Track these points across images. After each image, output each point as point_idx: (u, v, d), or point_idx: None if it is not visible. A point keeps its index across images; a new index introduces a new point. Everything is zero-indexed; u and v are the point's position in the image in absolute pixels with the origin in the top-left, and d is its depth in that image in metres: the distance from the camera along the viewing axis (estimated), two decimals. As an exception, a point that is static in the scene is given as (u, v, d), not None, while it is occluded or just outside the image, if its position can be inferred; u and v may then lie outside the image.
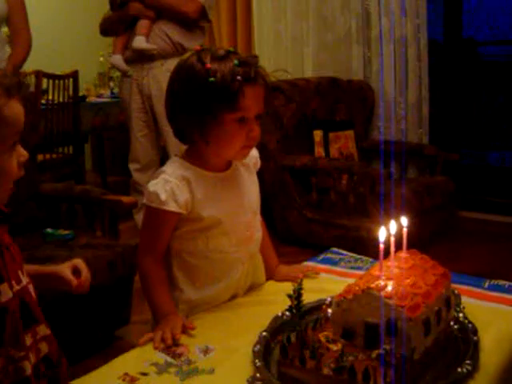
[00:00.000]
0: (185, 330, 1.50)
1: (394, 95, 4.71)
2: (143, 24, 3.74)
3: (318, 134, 4.37)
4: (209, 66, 1.53)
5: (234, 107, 1.53)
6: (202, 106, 1.54)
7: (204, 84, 1.52)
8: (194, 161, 1.64)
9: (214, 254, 1.67)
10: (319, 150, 4.37)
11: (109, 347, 2.73)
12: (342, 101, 4.64)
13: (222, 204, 1.65)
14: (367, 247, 3.30)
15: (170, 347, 1.43)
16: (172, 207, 1.58)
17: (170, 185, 1.58)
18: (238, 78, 1.51)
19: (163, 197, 1.56)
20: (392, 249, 1.36)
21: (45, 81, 4.75)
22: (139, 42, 3.71)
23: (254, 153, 1.79)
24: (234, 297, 1.74)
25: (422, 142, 4.72)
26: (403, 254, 1.44)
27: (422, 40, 4.62)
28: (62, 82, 4.81)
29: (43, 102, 4.73)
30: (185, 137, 1.65)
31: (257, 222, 1.78)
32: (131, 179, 3.97)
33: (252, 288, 1.80)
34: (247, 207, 1.73)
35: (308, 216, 4.18)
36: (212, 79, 1.51)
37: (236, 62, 1.53)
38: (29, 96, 3.63)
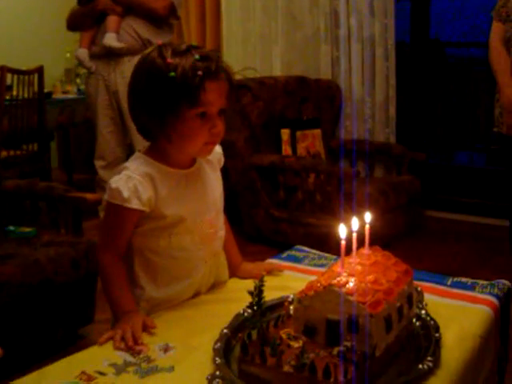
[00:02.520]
0: (145, 329, 1.48)
1: (362, 95, 4.74)
2: (112, 20, 3.71)
3: (285, 133, 4.37)
4: (169, 60, 1.50)
5: (195, 102, 1.50)
6: (163, 101, 1.51)
7: (164, 79, 1.50)
8: (157, 157, 1.62)
9: (177, 252, 1.65)
10: (287, 149, 4.37)
11: (72, 346, 2.70)
12: (310, 100, 4.65)
13: (185, 202, 1.63)
14: (333, 245, 3.29)
15: (131, 347, 1.40)
16: (135, 205, 1.54)
17: (132, 181, 1.55)
18: (199, 72, 1.49)
19: (126, 194, 1.53)
20: (354, 245, 1.35)
21: (9, 76, 4.68)
22: (110, 39, 3.67)
23: (218, 149, 1.77)
24: (196, 294, 1.72)
25: (389, 142, 4.75)
26: (365, 250, 1.44)
27: (389, 40, 4.65)
28: (26, 77, 4.75)
29: (7, 97, 4.67)
30: (147, 133, 1.62)
31: (220, 219, 1.76)
32: (96, 176, 3.94)
33: (215, 286, 1.78)
34: (211, 205, 1.71)
35: (275, 215, 4.18)
36: (172, 74, 1.49)
37: (197, 56, 1.51)
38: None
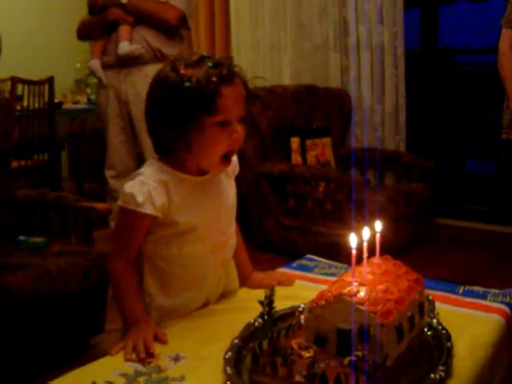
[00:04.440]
0: (156, 340, 1.48)
1: (371, 103, 4.73)
2: (124, 30, 3.71)
3: (295, 141, 4.37)
4: (183, 72, 1.51)
5: (213, 109, 1.50)
6: (181, 113, 1.51)
7: (180, 91, 1.50)
8: (172, 164, 1.62)
9: (188, 260, 1.65)
10: (296, 157, 4.37)
11: (83, 356, 2.70)
12: (320, 108, 4.64)
13: (198, 209, 1.62)
14: (343, 254, 3.29)
15: (143, 359, 1.40)
16: (148, 210, 1.55)
17: (147, 187, 1.55)
18: (213, 79, 1.49)
19: (140, 199, 1.53)
20: (365, 254, 1.35)
21: (20, 87, 4.70)
22: (124, 47, 3.68)
23: (233, 158, 1.75)
24: (205, 304, 1.72)
25: (399, 150, 4.74)
26: (376, 259, 1.43)
27: (398, 48, 4.64)
28: (37, 88, 4.78)
29: (18, 108, 4.68)
30: (166, 149, 1.61)
31: (232, 228, 1.76)
32: (107, 186, 3.94)
33: (224, 295, 1.78)
34: (223, 213, 1.71)
35: (285, 223, 4.17)
36: (187, 84, 1.49)
37: (210, 64, 1.52)
38: (3, 102, 3.59)
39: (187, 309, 1.67)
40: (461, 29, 7.31)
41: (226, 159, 1.60)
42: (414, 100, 4.93)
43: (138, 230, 1.60)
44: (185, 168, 1.62)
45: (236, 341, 1.38)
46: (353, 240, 1.30)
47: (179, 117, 1.52)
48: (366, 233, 1.36)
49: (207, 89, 1.49)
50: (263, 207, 4.26)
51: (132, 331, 1.50)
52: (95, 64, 3.82)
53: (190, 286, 1.67)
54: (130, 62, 3.72)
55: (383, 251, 1.47)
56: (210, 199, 1.67)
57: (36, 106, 4.79)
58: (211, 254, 1.68)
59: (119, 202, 1.58)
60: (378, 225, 1.44)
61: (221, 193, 1.71)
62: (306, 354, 1.25)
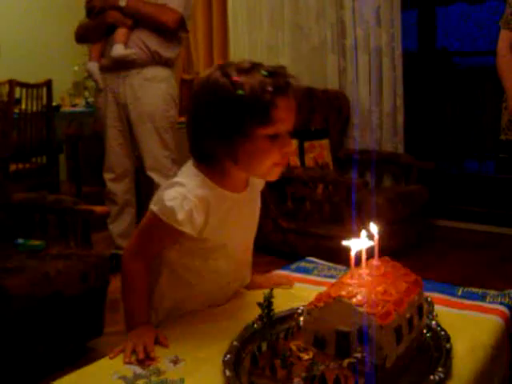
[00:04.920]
0: (157, 343, 1.47)
1: (369, 104, 4.73)
2: (121, 32, 3.72)
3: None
4: (235, 78, 1.43)
5: (267, 121, 1.43)
6: (232, 122, 1.44)
7: (232, 98, 1.42)
8: (214, 177, 1.55)
9: (210, 274, 1.64)
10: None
11: (81, 359, 2.69)
12: (318, 110, 4.64)
13: (231, 229, 1.59)
14: (342, 256, 3.29)
15: (142, 361, 1.39)
16: (187, 229, 1.49)
17: (189, 204, 1.48)
18: (269, 88, 1.42)
19: (180, 216, 1.47)
20: (363, 256, 1.35)
21: (18, 90, 4.70)
22: (118, 49, 3.68)
23: None
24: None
25: (397, 151, 4.74)
26: (375, 261, 1.43)
27: (396, 50, 4.64)
28: (35, 91, 4.77)
29: (16, 111, 4.68)
30: (208, 159, 1.54)
31: (252, 245, 1.75)
32: (105, 189, 3.94)
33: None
34: (251, 230, 1.71)
35: (283, 225, 4.17)
36: (240, 92, 1.41)
37: (265, 72, 1.44)
38: (1, 105, 3.60)
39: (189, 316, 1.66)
40: (458, 30, 7.32)
41: (277, 166, 1.52)
42: (411, 101, 4.93)
43: (167, 240, 1.57)
44: (227, 182, 1.56)
45: (235, 343, 1.38)
46: (351, 242, 1.30)
47: (229, 125, 1.44)
48: (364, 235, 1.36)
49: (262, 98, 1.41)
50: (261, 209, 4.24)
51: (133, 333, 1.50)
52: (93, 67, 3.82)
53: (205, 296, 1.67)
54: (128, 64, 3.72)
55: (382, 253, 1.47)
56: (243, 217, 1.63)
57: (34, 109, 4.79)
58: (233, 271, 1.68)
59: (155, 209, 1.51)
60: (377, 227, 1.44)
61: (252, 209, 1.69)
62: (305, 356, 1.25)
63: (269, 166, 1.51)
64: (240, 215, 1.61)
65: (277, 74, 1.46)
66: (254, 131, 1.44)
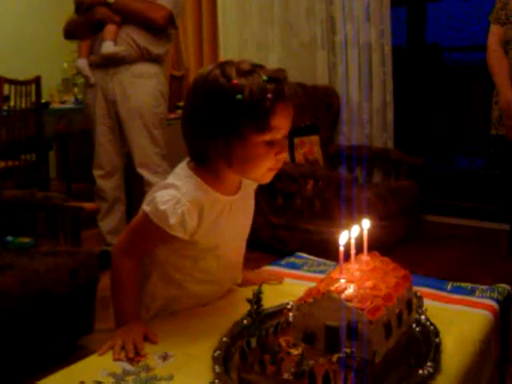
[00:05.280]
0: (146, 339, 1.46)
1: (359, 100, 4.74)
2: (110, 29, 3.70)
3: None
4: (235, 81, 1.40)
5: (264, 128, 1.41)
6: (228, 125, 1.41)
7: (230, 101, 1.40)
8: (209, 180, 1.53)
9: (200, 274, 1.63)
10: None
11: (72, 356, 2.69)
12: (308, 106, 4.64)
13: (223, 231, 1.58)
14: (332, 251, 3.29)
15: (132, 359, 1.38)
16: (179, 233, 1.49)
17: (181, 208, 1.46)
18: (269, 95, 1.39)
19: (172, 221, 1.45)
20: (352, 251, 1.35)
21: (6, 87, 4.67)
22: (107, 47, 3.67)
23: None
24: None
25: (387, 147, 4.75)
26: (364, 256, 1.43)
27: (386, 46, 4.65)
28: (24, 88, 4.75)
29: (5, 108, 4.66)
30: (204, 158, 1.52)
31: (244, 245, 1.74)
32: (95, 186, 3.93)
33: None
34: (243, 233, 1.70)
35: (273, 221, 4.17)
36: (239, 96, 1.39)
37: (265, 77, 1.42)
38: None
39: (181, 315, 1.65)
40: (448, 26, 7.33)
41: (271, 170, 1.52)
42: (401, 97, 4.94)
43: (158, 240, 1.56)
44: (220, 183, 1.55)
45: (224, 339, 1.37)
46: (342, 237, 1.30)
47: (225, 127, 1.42)
48: (353, 229, 1.35)
49: (261, 105, 1.39)
50: (252, 206, 4.25)
51: (122, 330, 1.49)
52: (82, 63, 3.81)
53: (196, 296, 1.66)
54: (117, 61, 3.71)
55: (372, 248, 1.46)
56: (235, 220, 1.61)
57: (23, 106, 4.76)
58: (224, 272, 1.67)
59: (147, 209, 1.49)
60: (366, 222, 1.44)
61: (245, 212, 1.68)
62: (295, 352, 1.25)
63: (263, 171, 1.50)
64: (232, 218, 1.60)
65: (277, 80, 1.44)
66: (250, 136, 1.43)
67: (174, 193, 1.48)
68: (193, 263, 1.60)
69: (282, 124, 1.45)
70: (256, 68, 1.45)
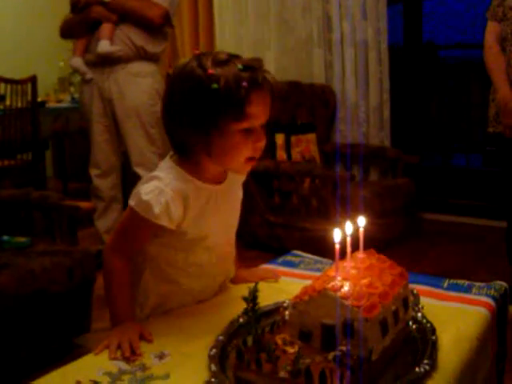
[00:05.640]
0: (142, 338, 1.46)
1: (356, 98, 4.73)
2: (106, 28, 3.70)
3: (279, 138, 4.37)
4: (211, 71, 1.42)
5: (240, 116, 1.42)
6: (205, 115, 1.43)
7: (206, 91, 1.41)
8: (191, 170, 1.54)
9: (192, 268, 1.63)
10: (281, 154, 4.36)
11: (68, 355, 2.68)
12: (304, 104, 4.64)
13: (210, 221, 1.58)
14: (329, 249, 3.29)
15: (128, 358, 1.38)
16: (164, 222, 1.49)
17: (165, 197, 1.47)
18: (244, 83, 1.41)
19: (156, 210, 1.46)
20: (348, 249, 1.35)
21: (2, 86, 4.68)
22: (104, 46, 3.66)
23: None
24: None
25: (384, 145, 4.75)
26: (360, 254, 1.43)
27: (382, 44, 4.65)
28: (20, 87, 4.74)
29: (1, 107, 4.66)
30: (184, 149, 1.53)
31: (234, 238, 1.74)
32: (91, 185, 3.93)
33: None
34: (232, 223, 1.70)
35: (270, 220, 4.17)
36: (215, 86, 1.40)
37: (240, 66, 1.43)
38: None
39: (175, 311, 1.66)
40: (444, 24, 7.33)
41: (249, 160, 1.53)
42: (398, 95, 4.94)
43: (146, 234, 1.56)
44: (203, 173, 1.56)
45: (221, 337, 1.37)
46: (336, 235, 1.29)
47: (202, 118, 1.44)
48: (348, 227, 1.35)
49: (237, 94, 1.40)
50: (248, 204, 4.22)
51: (118, 329, 1.49)
52: (77, 62, 3.80)
53: (190, 291, 1.66)
54: (113, 60, 3.70)
55: (369, 246, 1.46)
56: (223, 210, 1.62)
57: (19, 105, 4.75)
58: (216, 264, 1.67)
59: (132, 204, 1.51)
60: (361, 219, 1.44)
61: (232, 202, 1.68)
62: (291, 350, 1.24)
63: (241, 161, 1.51)
64: (219, 207, 1.60)
65: (253, 68, 1.45)
66: (227, 125, 1.44)
67: (157, 183, 1.50)
68: (184, 257, 1.60)
69: (258, 112, 1.45)
70: (232, 58, 1.46)
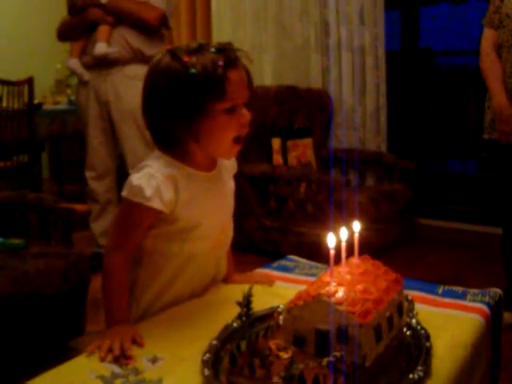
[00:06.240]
0: (134, 342, 1.45)
1: (352, 104, 4.74)
2: (103, 30, 3.69)
3: (276, 142, 4.37)
4: (186, 59, 1.48)
5: (222, 95, 1.48)
6: (189, 102, 1.48)
7: (185, 79, 1.47)
8: (179, 159, 1.58)
9: (187, 258, 1.64)
10: (277, 158, 4.36)
11: (62, 358, 2.67)
12: (301, 109, 4.65)
13: (204, 207, 1.60)
14: (325, 254, 3.28)
15: (118, 358, 1.38)
16: (156, 204, 1.50)
17: (155, 180, 1.51)
18: (220, 63, 1.47)
19: (148, 192, 1.49)
20: (343, 254, 1.34)
21: (-1, 87, 4.67)
22: (100, 48, 3.66)
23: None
24: (190, 296, 1.72)
25: (381, 150, 4.75)
26: (355, 259, 1.42)
27: (379, 49, 4.66)
28: (16, 88, 4.74)
29: (-3, 108, 4.65)
30: (171, 142, 1.57)
31: (230, 225, 1.76)
32: (87, 187, 3.92)
33: (207, 287, 1.78)
34: (226, 210, 1.72)
35: (266, 224, 4.17)
36: (193, 71, 1.46)
37: (213, 49, 1.50)
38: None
39: (173, 301, 1.67)
40: (441, 30, 7.35)
41: (237, 142, 1.57)
42: (395, 101, 4.94)
43: (142, 223, 1.57)
44: (193, 161, 1.59)
45: (214, 342, 1.37)
46: (331, 240, 1.29)
47: (187, 106, 1.48)
48: (343, 232, 1.35)
49: (215, 74, 1.46)
50: (244, 208, 4.24)
51: (111, 330, 1.49)
52: (74, 63, 3.80)
53: (184, 281, 1.67)
54: (110, 62, 3.70)
55: (365, 251, 1.46)
56: (216, 196, 1.65)
57: (15, 106, 4.75)
58: (210, 252, 1.68)
59: (124, 193, 1.54)
60: (356, 225, 1.43)
61: (225, 189, 1.71)
62: (285, 355, 1.24)
63: (228, 142, 1.56)
64: (211, 193, 1.63)
65: (225, 50, 1.52)
66: (211, 107, 1.49)
67: (147, 170, 1.54)
68: (179, 247, 1.61)
69: (237, 89, 1.51)
70: (203, 45, 1.53)
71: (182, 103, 1.48)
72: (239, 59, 1.54)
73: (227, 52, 1.51)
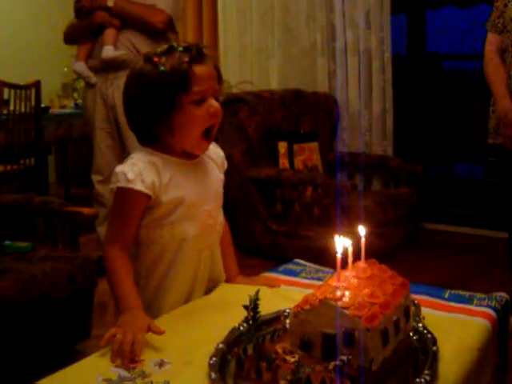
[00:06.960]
0: (150, 331, 1.47)
1: (359, 107, 4.74)
2: (110, 33, 3.70)
3: (282, 146, 4.37)
4: (156, 59, 1.61)
5: (188, 88, 1.59)
6: (160, 97, 1.60)
7: (156, 76, 1.60)
8: (159, 149, 1.68)
9: (178, 243, 1.69)
10: (284, 162, 4.36)
11: (69, 361, 2.67)
12: (307, 113, 4.65)
13: (185, 184, 1.68)
14: (331, 258, 3.28)
15: (125, 358, 1.38)
16: (139, 186, 1.59)
17: (137, 167, 1.61)
18: (185, 59, 1.59)
19: (130, 176, 1.59)
20: (350, 259, 1.34)
21: (6, 91, 4.69)
22: (108, 51, 3.67)
23: (220, 152, 1.85)
24: (191, 292, 1.75)
25: (387, 154, 4.75)
26: (361, 263, 1.43)
27: (385, 53, 4.66)
28: (23, 92, 4.75)
29: (4, 112, 4.67)
30: (150, 137, 1.68)
31: (220, 213, 1.80)
32: (93, 191, 3.92)
33: (210, 287, 1.80)
34: (211, 195, 1.76)
35: (272, 228, 4.17)
36: (162, 68, 1.59)
37: (180, 48, 1.62)
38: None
39: (174, 293, 1.71)
40: (448, 34, 7.35)
41: (206, 137, 1.67)
42: (401, 105, 4.94)
43: (132, 209, 1.64)
44: (172, 152, 1.69)
45: (221, 346, 1.37)
46: (338, 244, 1.29)
47: (159, 101, 1.60)
48: (350, 237, 1.35)
49: (180, 69, 1.59)
50: (251, 212, 4.25)
51: (124, 319, 1.50)
52: (80, 66, 3.81)
53: (182, 270, 1.71)
54: (117, 66, 3.71)
55: (370, 256, 1.46)
56: (198, 180, 1.73)
57: (22, 110, 4.75)
58: (199, 235, 1.71)
59: (111, 185, 1.64)
60: (363, 229, 1.43)
61: (208, 176, 1.77)
62: (291, 359, 1.24)
63: (199, 135, 1.65)
64: (193, 178, 1.71)
65: (191, 47, 1.64)
66: (180, 100, 1.60)
67: (129, 160, 1.65)
68: (170, 232, 1.68)
69: (203, 82, 1.61)
70: (172, 46, 1.65)
71: (154, 99, 1.61)
72: (207, 56, 1.65)
73: (193, 49, 1.63)
